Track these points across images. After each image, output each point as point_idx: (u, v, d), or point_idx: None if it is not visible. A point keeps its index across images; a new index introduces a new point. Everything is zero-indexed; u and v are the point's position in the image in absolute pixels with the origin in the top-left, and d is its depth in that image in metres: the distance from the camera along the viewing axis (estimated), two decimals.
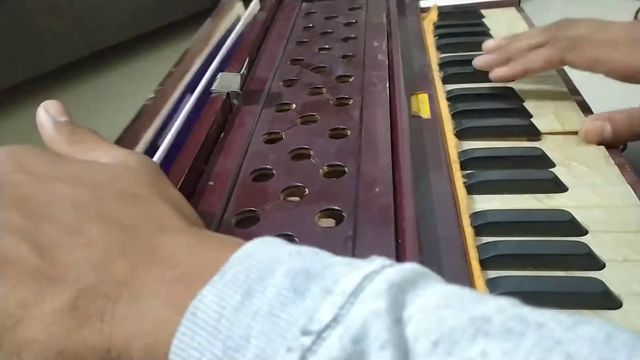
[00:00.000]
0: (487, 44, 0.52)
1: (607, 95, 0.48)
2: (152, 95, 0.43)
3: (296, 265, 0.20)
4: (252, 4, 0.62)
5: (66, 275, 0.21)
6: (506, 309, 0.17)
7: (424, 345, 0.16)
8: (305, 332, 0.17)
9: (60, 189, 0.24)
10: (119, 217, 0.23)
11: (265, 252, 0.21)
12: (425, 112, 0.44)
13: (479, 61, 0.49)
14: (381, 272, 0.19)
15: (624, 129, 0.40)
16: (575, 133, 0.41)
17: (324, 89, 0.46)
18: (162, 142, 0.38)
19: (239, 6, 0.63)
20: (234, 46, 0.53)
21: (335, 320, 0.17)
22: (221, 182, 0.35)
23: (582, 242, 0.32)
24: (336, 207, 0.32)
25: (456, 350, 0.16)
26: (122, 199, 0.24)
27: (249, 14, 0.60)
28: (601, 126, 0.40)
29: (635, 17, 0.78)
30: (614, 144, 0.40)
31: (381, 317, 0.17)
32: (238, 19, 0.62)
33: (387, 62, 0.49)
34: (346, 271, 0.19)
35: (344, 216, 0.32)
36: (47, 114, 0.30)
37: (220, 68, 0.48)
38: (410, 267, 0.19)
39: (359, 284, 0.18)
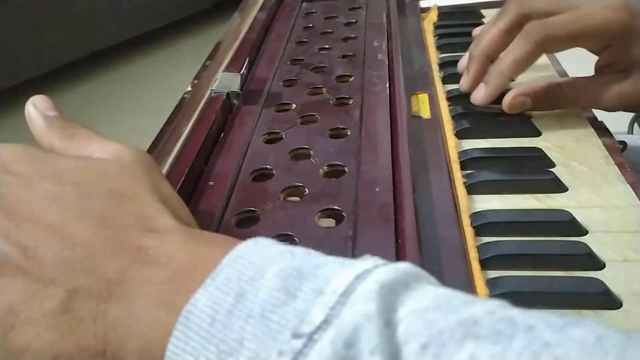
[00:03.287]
0: (460, 63, 0.47)
1: None
2: (189, 89, 0.44)
3: (288, 265, 0.20)
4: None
5: (55, 277, 0.21)
6: (496, 312, 0.17)
7: (412, 349, 0.16)
8: (296, 335, 0.17)
9: (44, 188, 0.23)
10: (107, 217, 0.23)
11: (257, 252, 0.21)
12: (425, 112, 0.44)
13: (463, 85, 0.45)
14: (373, 271, 0.19)
15: (543, 100, 0.42)
16: (575, 133, 0.42)
17: (324, 89, 0.46)
18: None
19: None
20: None
21: (326, 321, 0.17)
22: (221, 182, 0.35)
23: (582, 242, 0.32)
24: (336, 207, 0.32)
25: (444, 354, 0.16)
26: (110, 198, 0.24)
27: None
28: (523, 102, 0.42)
29: None
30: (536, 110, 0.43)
31: (372, 321, 0.17)
32: None
33: (387, 62, 0.49)
34: (338, 270, 0.19)
35: (344, 216, 0.31)
36: (35, 109, 0.29)
37: None
38: (402, 267, 0.19)
39: (351, 284, 0.18)
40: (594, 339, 0.15)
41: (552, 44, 0.40)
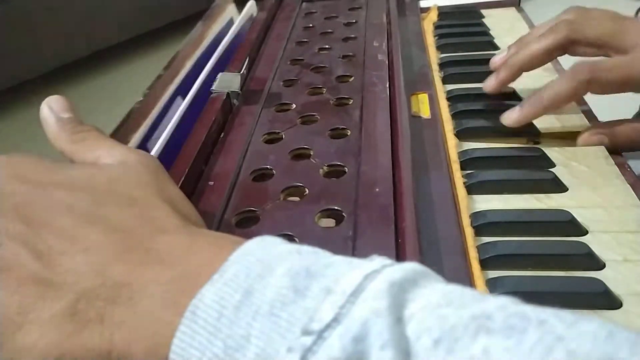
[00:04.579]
0: (494, 60, 0.47)
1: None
2: (140, 99, 0.43)
3: (296, 264, 0.20)
4: (248, 5, 0.62)
5: (65, 279, 0.21)
6: (507, 307, 0.17)
7: (425, 344, 0.16)
8: (306, 332, 0.17)
9: (56, 195, 0.24)
10: (116, 221, 0.23)
11: (265, 250, 0.21)
12: (425, 112, 0.44)
13: (488, 86, 0.45)
14: (382, 271, 0.19)
15: (624, 142, 0.40)
16: (575, 133, 0.41)
17: (324, 89, 0.46)
18: (152, 144, 0.38)
19: (231, 8, 0.63)
20: (230, 47, 0.53)
21: (335, 319, 0.17)
22: (221, 182, 0.35)
23: (582, 242, 0.32)
24: (336, 207, 0.32)
25: (457, 348, 0.16)
26: (119, 202, 0.24)
27: (244, 15, 0.60)
28: (600, 140, 0.40)
29: (636, 17, 0.78)
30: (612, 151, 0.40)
31: (382, 317, 0.17)
32: (231, 21, 0.62)
33: (387, 62, 0.49)
34: (347, 270, 0.19)
35: (344, 216, 0.31)
36: (50, 110, 0.29)
37: (217, 68, 0.48)
38: (410, 266, 0.19)
39: (360, 283, 0.18)
40: (605, 333, 0.15)
41: (598, 86, 0.39)
